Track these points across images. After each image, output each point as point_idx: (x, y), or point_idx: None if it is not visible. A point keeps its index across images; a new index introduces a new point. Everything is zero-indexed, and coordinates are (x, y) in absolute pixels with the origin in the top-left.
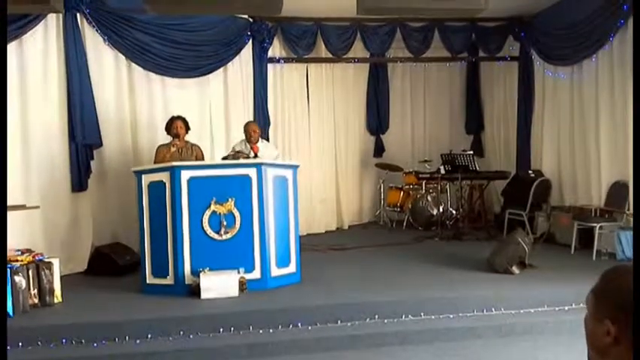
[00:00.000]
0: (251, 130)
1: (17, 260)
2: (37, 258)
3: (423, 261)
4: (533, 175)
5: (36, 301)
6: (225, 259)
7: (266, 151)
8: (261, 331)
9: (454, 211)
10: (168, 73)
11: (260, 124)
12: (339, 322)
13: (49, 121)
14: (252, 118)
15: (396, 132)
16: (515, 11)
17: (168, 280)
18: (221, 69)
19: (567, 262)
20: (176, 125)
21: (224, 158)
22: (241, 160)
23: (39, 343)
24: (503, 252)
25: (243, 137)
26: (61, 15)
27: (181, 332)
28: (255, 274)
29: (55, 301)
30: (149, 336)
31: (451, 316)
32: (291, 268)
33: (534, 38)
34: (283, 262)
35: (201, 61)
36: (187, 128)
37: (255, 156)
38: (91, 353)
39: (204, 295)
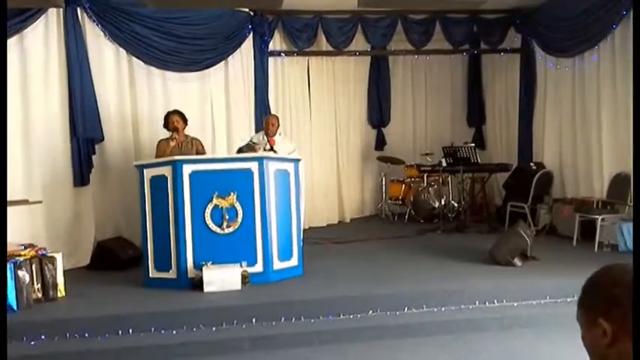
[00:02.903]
0: (269, 123)
1: (20, 255)
2: (40, 252)
3: (425, 254)
4: (534, 167)
5: (39, 295)
6: (228, 252)
7: (282, 145)
8: (263, 325)
9: (456, 204)
10: (169, 67)
11: (261, 117)
12: (341, 315)
13: (50, 116)
14: (253, 112)
15: (398, 125)
16: (516, 3)
17: (171, 274)
18: (222, 63)
19: (569, 254)
20: (173, 119)
21: (240, 149)
22: (246, 154)
23: (43, 337)
24: (505, 244)
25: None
26: (61, 9)
27: (184, 326)
28: (258, 267)
29: (59, 295)
30: (152, 329)
31: (453, 308)
32: (294, 261)
33: (536, 30)
34: (285, 255)
35: (201, 55)
36: (185, 121)
37: (271, 148)
38: (94, 347)
39: (206, 288)
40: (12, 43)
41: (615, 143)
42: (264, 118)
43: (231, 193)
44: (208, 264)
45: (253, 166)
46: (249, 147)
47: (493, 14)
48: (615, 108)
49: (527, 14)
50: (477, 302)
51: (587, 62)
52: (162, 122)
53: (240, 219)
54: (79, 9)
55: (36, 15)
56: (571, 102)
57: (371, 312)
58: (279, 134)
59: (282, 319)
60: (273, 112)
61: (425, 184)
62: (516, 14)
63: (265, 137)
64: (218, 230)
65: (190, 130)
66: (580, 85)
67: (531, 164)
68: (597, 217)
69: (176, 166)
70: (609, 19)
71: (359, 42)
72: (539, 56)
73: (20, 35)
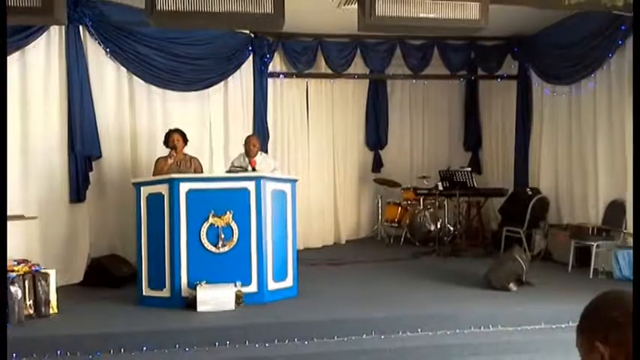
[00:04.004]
0: (250, 144)
1: (14, 270)
2: (33, 268)
3: (421, 277)
4: (530, 192)
5: (31, 311)
6: (223, 272)
7: (264, 163)
8: (257, 345)
9: (452, 228)
10: (169, 87)
11: (260, 139)
12: (335, 337)
13: (49, 132)
14: (251, 132)
15: (395, 148)
16: (514, 30)
17: (165, 293)
18: (221, 83)
19: (564, 280)
20: (174, 138)
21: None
22: (239, 174)
23: (34, 354)
24: (501, 269)
25: (242, 151)
26: (63, 27)
27: (177, 345)
28: (252, 287)
29: (51, 312)
30: (144, 348)
31: (448, 332)
32: (288, 282)
33: (533, 57)
34: (280, 276)
35: (201, 75)
36: (185, 141)
37: (253, 170)
38: None
39: (200, 308)
40: (13, 58)
41: (611, 170)
42: (245, 140)
43: (228, 212)
44: (202, 283)
45: (250, 185)
46: (233, 172)
47: (491, 41)
48: (611, 135)
49: (524, 41)
50: (472, 327)
51: (583, 90)
52: (163, 140)
53: (235, 238)
54: (81, 27)
55: (38, 32)
56: (567, 129)
57: (366, 335)
58: (260, 154)
59: (276, 340)
60: (271, 133)
61: (421, 207)
62: (514, 41)
63: (247, 159)
64: (213, 249)
65: (189, 150)
66: (576, 112)
67: (527, 189)
68: (592, 243)
69: (173, 185)
70: (605, 47)
71: (358, 65)
72: (536, 83)
73: (22, 51)
